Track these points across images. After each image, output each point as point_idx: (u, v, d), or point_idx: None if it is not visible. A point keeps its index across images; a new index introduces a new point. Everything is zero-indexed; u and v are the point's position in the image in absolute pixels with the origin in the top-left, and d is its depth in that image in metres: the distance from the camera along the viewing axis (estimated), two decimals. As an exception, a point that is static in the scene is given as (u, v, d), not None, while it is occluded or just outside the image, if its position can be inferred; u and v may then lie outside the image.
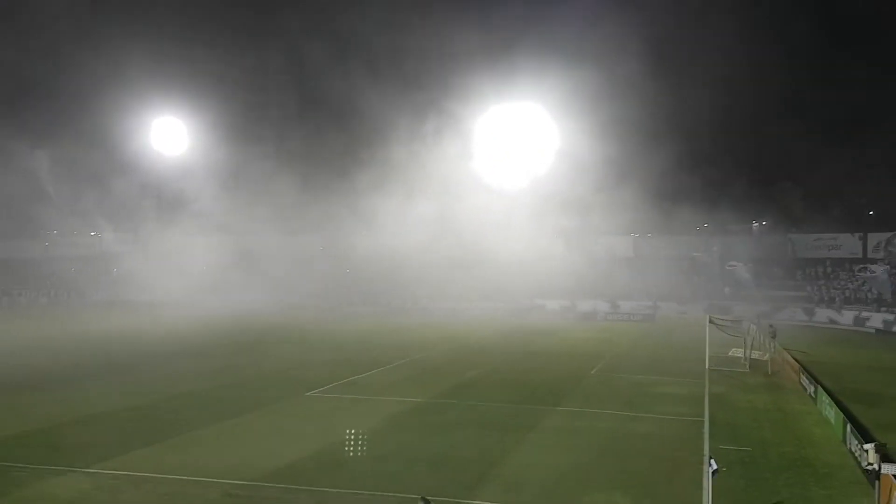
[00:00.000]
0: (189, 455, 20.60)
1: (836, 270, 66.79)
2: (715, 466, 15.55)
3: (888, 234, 66.74)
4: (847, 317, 57.69)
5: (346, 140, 62.75)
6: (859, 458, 19.00)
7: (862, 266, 65.41)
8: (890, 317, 54.40)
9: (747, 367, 35.13)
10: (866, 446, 16.92)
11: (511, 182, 59.12)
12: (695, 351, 39.70)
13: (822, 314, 59.30)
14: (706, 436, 22.41)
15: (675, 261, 71.89)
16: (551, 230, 64.07)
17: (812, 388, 28.22)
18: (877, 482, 15.87)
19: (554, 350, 42.66)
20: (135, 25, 66.98)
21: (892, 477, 15.38)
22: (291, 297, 72.39)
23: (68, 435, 22.42)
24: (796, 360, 33.94)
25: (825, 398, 25.49)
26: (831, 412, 24.02)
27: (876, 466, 15.73)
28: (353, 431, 20.93)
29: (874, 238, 67.49)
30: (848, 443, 20.99)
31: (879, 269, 63.04)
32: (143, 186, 67.82)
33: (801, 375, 30.80)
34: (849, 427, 21.08)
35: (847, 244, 68.45)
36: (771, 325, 43.37)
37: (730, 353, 38.51)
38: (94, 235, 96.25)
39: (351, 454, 20.35)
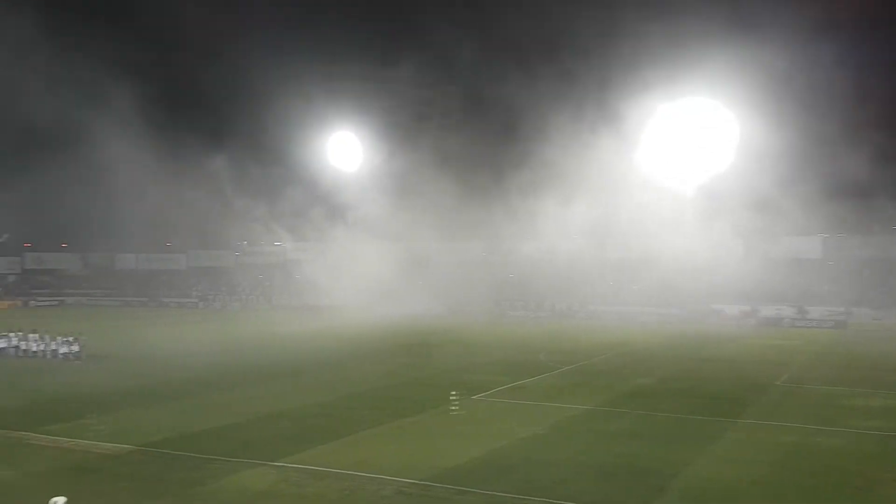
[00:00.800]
0: (364, 452, 21.41)
1: None
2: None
3: None
4: None
5: (507, 143, 62.92)
6: None
7: None
8: None
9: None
10: None
11: (684, 180, 56.35)
12: (893, 360, 36.26)
13: None
14: (905, 452, 20.49)
15: (869, 262, 65.90)
16: (729, 230, 60.59)
17: None
18: None
19: (734, 358, 40.44)
20: (309, 43, 71.31)
21: None
22: (456, 302, 73.66)
23: (257, 430, 24.14)
24: None
25: None
26: None
27: None
28: (520, 436, 20.84)
29: None
30: None
31: None
32: (320, 198, 71.99)
33: None
34: None
35: None
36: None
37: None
38: (279, 245, 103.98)
39: (519, 459, 20.26)
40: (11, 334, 43.71)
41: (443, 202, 64.66)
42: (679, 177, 56.27)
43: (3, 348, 43.20)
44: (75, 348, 41.46)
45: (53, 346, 42.22)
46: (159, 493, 18.28)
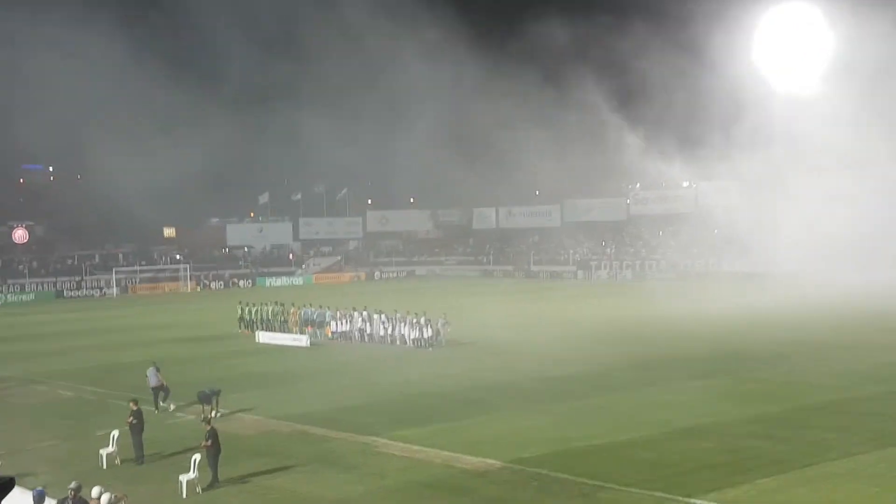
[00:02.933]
0: (827, 494, 19.89)
1: None
2: None
3: None
4: None
5: None
6: None
7: None
8: None
9: None
10: None
11: None
12: None
13: None
14: None
15: None
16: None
17: None
18: None
19: None
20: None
21: None
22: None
23: (667, 450, 23.83)
24: None
25: None
26: None
27: None
28: None
29: None
30: None
31: None
32: (747, 116, 69.27)
33: None
34: None
35: None
36: None
37: None
38: (687, 187, 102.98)
39: None
40: (356, 314, 49.64)
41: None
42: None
43: (346, 331, 49.33)
44: (427, 332, 45.58)
45: (402, 330, 46.99)
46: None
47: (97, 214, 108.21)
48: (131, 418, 24.83)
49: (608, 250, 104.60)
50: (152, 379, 31.68)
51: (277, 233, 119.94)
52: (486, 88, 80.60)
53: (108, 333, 57.91)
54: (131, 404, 25.39)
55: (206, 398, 29.98)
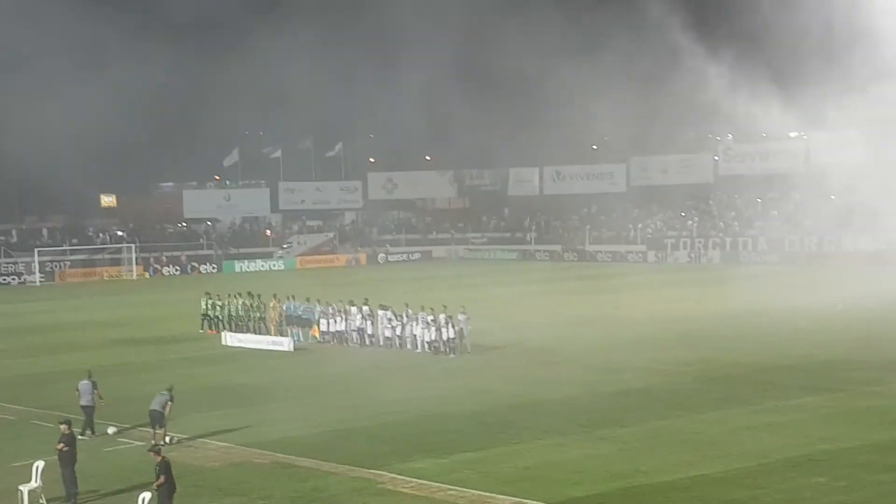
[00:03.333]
0: None
1: None
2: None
3: None
4: None
5: None
6: None
7: None
8: None
9: None
10: None
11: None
12: None
13: None
14: None
15: None
16: None
17: None
18: None
19: None
20: None
21: None
22: None
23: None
24: None
25: None
26: None
27: None
28: None
29: None
30: None
31: None
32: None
33: None
34: None
35: None
36: None
37: None
38: (796, 137, 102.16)
39: None
40: (354, 309, 49.75)
41: None
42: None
43: (341, 332, 49.41)
44: (448, 333, 45.44)
45: (414, 331, 47.06)
46: None
47: (12, 180, 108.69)
48: (62, 445, 25.02)
49: (689, 224, 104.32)
50: (85, 395, 31.91)
51: (250, 202, 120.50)
52: (526, 7, 79.91)
53: (28, 334, 58.46)
54: (62, 427, 25.57)
55: (158, 417, 30.20)
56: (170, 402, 30.27)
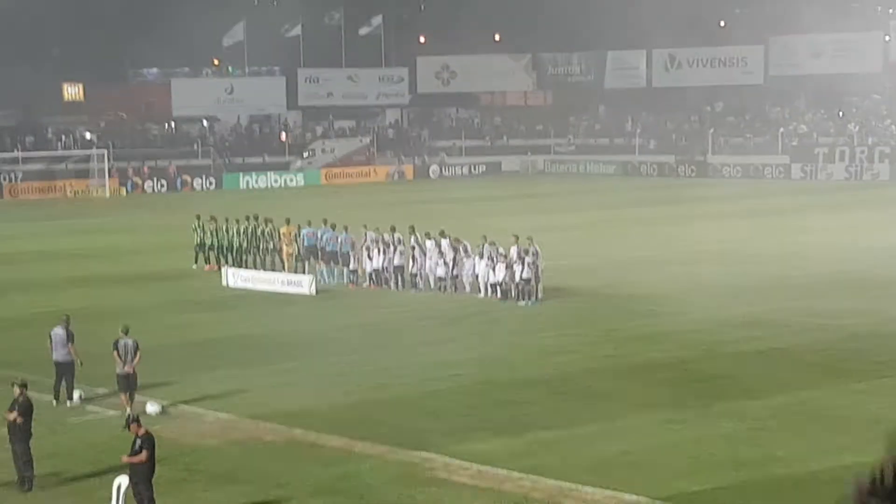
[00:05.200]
0: None
1: None
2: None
3: None
4: None
5: None
6: None
7: None
8: None
9: None
10: None
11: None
12: None
13: None
14: None
15: None
16: None
17: None
18: None
19: None
20: None
21: None
22: None
23: None
24: None
25: None
26: None
27: None
28: None
29: None
30: None
31: None
32: None
33: None
34: None
35: None
36: None
37: None
38: None
39: None
40: (395, 237, 49.38)
41: None
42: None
43: (377, 270, 49.36)
44: (522, 274, 45.32)
45: (476, 269, 47.08)
46: None
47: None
48: (14, 414, 25.23)
49: (848, 127, 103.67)
50: (58, 347, 31.71)
51: (260, 95, 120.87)
52: None
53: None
54: (15, 389, 25.76)
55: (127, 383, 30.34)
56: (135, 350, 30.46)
